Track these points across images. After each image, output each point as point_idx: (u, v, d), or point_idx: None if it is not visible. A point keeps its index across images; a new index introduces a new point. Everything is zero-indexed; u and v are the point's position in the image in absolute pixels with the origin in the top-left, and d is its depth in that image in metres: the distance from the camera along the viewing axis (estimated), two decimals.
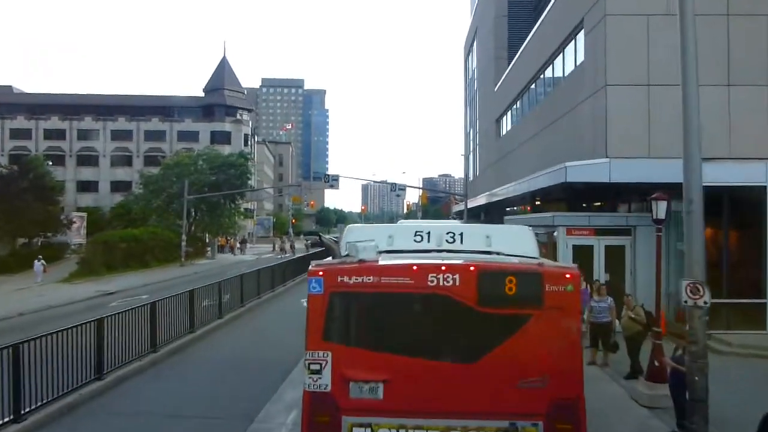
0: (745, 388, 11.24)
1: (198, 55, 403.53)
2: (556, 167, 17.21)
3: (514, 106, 31.34)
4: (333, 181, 46.69)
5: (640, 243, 16.57)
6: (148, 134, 79.42)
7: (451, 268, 6.11)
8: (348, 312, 6.31)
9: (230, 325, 19.47)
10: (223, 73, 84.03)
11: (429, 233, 7.53)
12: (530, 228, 8.08)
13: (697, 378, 7.13)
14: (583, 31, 18.97)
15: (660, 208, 11.01)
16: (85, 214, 56.19)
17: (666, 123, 16.12)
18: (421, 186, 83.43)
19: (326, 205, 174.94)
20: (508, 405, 5.99)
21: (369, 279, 6.13)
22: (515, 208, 31.64)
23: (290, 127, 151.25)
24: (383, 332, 6.27)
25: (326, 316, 6.16)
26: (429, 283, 6.09)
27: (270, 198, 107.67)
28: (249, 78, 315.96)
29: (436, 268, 6.13)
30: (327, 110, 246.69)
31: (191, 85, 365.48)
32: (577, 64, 19.91)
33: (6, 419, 9.19)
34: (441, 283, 6.07)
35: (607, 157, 16.28)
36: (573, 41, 20.32)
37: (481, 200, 37.75)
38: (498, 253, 7.11)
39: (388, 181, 52.78)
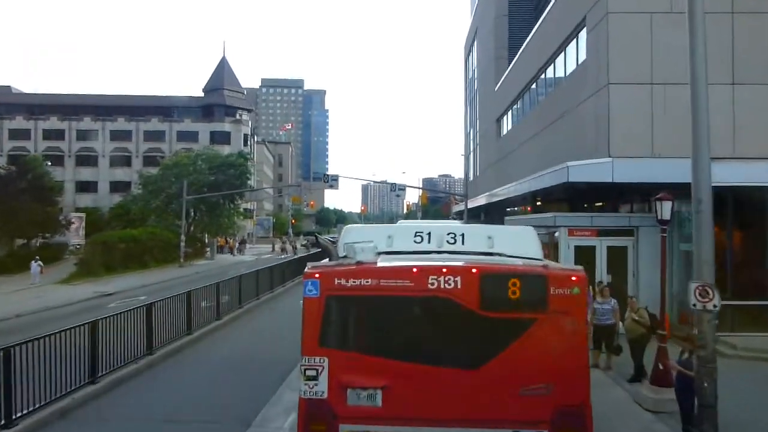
0: (750, 392, 11.03)
1: (197, 56, 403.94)
2: (558, 167, 17.01)
3: (515, 106, 31.16)
4: (332, 181, 46.50)
5: (643, 244, 16.38)
6: (147, 134, 79.20)
7: (453, 270, 5.90)
8: (345, 316, 6.10)
9: (228, 326, 19.28)
10: (222, 73, 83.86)
11: (429, 234, 7.31)
12: (533, 228, 7.84)
13: (706, 383, 6.92)
14: (585, 29, 18.77)
15: (665, 209, 10.79)
16: (83, 215, 55.99)
17: (669, 122, 15.95)
18: (421, 186, 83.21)
19: (326, 205, 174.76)
20: (511, 412, 5.79)
21: (367, 281, 5.93)
22: (516, 208, 31.44)
23: (290, 127, 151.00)
24: (382, 337, 6.06)
25: (323, 320, 5.96)
26: (429, 285, 5.89)
27: (270, 198, 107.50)
28: (249, 78, 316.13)
29: (436, 270, 5.93)
30: (327, 110, 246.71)
31: (191, 85, 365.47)
32: (579, 62, 19.71)
33: None
34: (442, 286, 5.86)
35: (609, 156, 16.07)
36: (575, 40, 20.12)
37: (481, 200, 37.57)
38: (500, 255, 6.89)
39: (388, 181, 52.66)
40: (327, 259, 7.72)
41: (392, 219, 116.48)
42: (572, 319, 5.79)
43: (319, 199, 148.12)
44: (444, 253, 6.96)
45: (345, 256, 6.70)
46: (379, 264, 6.20)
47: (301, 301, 6.16)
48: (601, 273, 16.40)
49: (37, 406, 9.74)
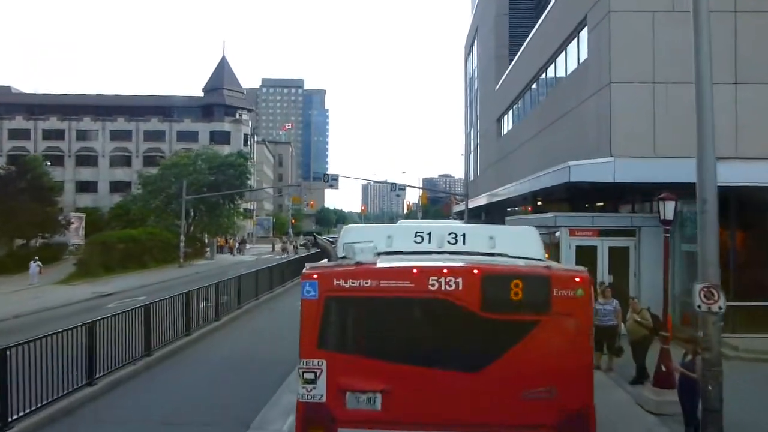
0: (752, 393, 10.94)
1: (197, 55, 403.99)
2: (560, 166, 16.90)
3: (516, 106, 31.06)
4: (332, 181, 46.43)
5: (645, 244, 16.28)
6: (147, 134, 79.09)
7: (454, 271, 5.79)
8: (344, 318, 5.99)
9: (227, 327, 19.20)
10: (222, 72, 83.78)
11: (430, 234, 7.20)
12: (536, 228, 7.73)
13: (711, 387, 6.79)
14: (586, 28, 18.66)
15: (668, 209, 10.69)
16: (83, 215, 55.85)
17: (671, 121, 15.84)
18: (421, 186, 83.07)
19: (326, 205, 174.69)
20: (514, 416, 5.67)
21: (366, 282, 5.82)
22: (516, 208, 31.35)
23: (290, 126, 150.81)
24: (381, 339, 5.95)
25: (321, 322, 5.85)
26: (430, 286, 5.78)
27: (270, 198, 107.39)
28: (249, 78, 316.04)
29: (437, 271, 5.82)
30: (327, 110, 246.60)
31: (190, 85, 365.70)
32: (581, 61, 19.61)
33: None
34: (443, 287, 5.75)
35: (611, 156, 15.96)
36: (576, 38, 20.01)
37: (481, 200, 37.48)
38: (502, 255, 6.78)
39: (388, 181, 52.49)
40: (326, 260, 7.54)
41: (392, 219, 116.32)
42: (576, 322, 5.67)
43: (319, 199, 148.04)
44: (445, 254, 6.85)
45: (344, 257, 6.59)
46: (379, 265, 6.10)
47: (300, 302, 6.05)
48: (603, 273, 16.29)
49: (33, 408, 9.65)
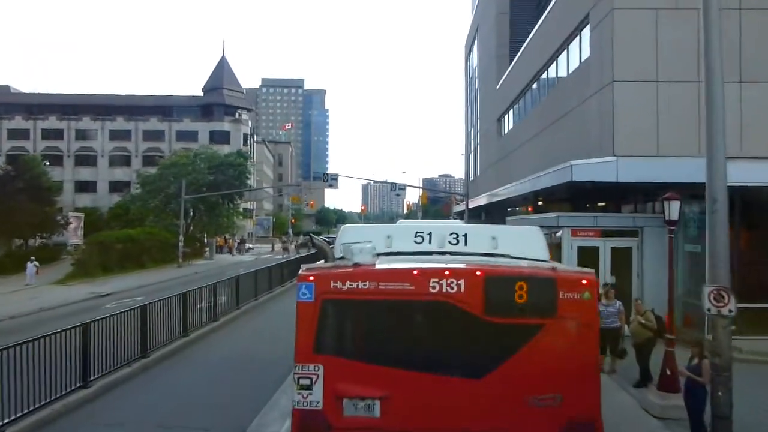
0: (757, 396, 10.76)
1: (197, 55, 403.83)
2: (562, 166, 16.71)
3: (516, 105, 30.87)
4: (332, 181, 46.25)
5: (648, 244, 16.13)
6: (146, 134, 78.94)
7: (456, 273, 5.58)
8: (342, 321, 5.78)
9: (225, 328, 19.02)
10: (222, 72, 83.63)
11: (431, 234, 6.99)
12: (540, 228, 7.50)
13: (720, 393, 6.57)
14: (588, 26, 18.47)
15: (673, 209, 10.49)
16: (82, 215, 55.66)
17: (675, 120, 15.68)
18: (421, 186, 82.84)
19: (326, 205, 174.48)
20: (517, 424, 5.47)
21: (365, 284, 5.61)
22: (517, 208, 31.17)
23: (290, 126, 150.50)
24: (380, 344, 5.73)
25: (318, 325, 5.63)
26: (431, 289, 5.57)
27: (270, 198, 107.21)
28: (249, 78, 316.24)
29: (438, 272, 5.61)
30: (327, 110, 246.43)
31: (190, 84, 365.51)
32: (582, 60, 19.42)
33: None
34: (444, 290, 5.54)
35: (614, 155, 15.77)
36: (578, 37, 19.82)
37: (482, 200, 37.29)
38: (505, 256, 6.56)
39: (388, 181, 52.17)
40: (322, 261, 7.25)
41: (392, 219, 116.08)
42: (582, 325, 5.46)
43: (319, 198, 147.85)
44: (446, 255, 6.64)
45: (342, 258, 6.38)
46: (378, 266, 5.89)
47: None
48: (605, 274, 16.11)
49: (25, 411, 9.47)
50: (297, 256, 45.11)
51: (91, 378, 11.52)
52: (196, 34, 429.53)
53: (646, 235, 16.20)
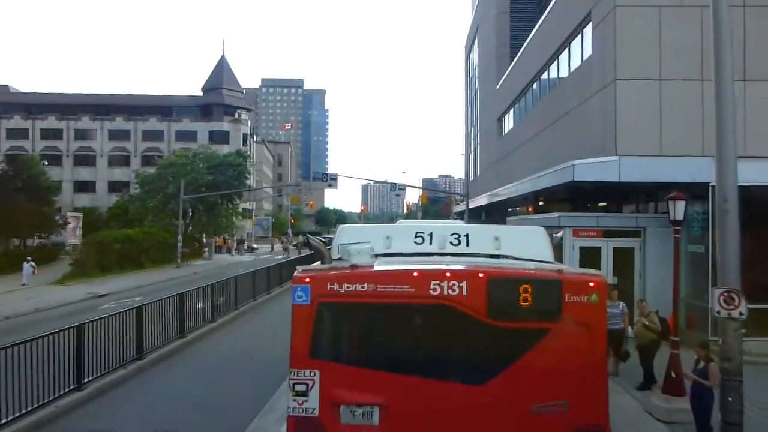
0: (763, 399, 10.54)
1: (197, 55, 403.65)
2: (563, 165, 16.52)
3: (517, 105, 30.68)
4: (332, 180, 46.12)
5: (650, 245, 15.95)
6: (145, 134, 78.84)
7: (457, 275, 5.36)
8: (339, 325, 5.57)
9: (223, 329, 18.84)
10: (221, 72, 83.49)
11: (431, 234, 6.77)
12: (544, 228, 7.27)
13: (731, 398, 6.35)
14: (590, 25, 18.28)
15: (678, 209, 10.29)
16: (80, 215, 55.46)
17: (679, 119, 15.49)
18: (421, 186, 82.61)
19: (326, 205, 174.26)
20: None
21: (363, 287, 5.39)
22: (517, 208, 30.98)
23: (290, 126, 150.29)
24: (379, 348, 5.52)
25: (314, 329, 5.41)
26: (431, 291, 5.35)
27: (269, 198, 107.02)
28: (249, 78, 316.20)
29: (439, 274, 5.40)
30: (327, 110, 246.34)
31: (189, 84, 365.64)
32: (584, 59, 19.22)
33: None
34: (445, 292, 5.33)
35: (616, 155, 15.57)
36: (579, 35, 19.63)
37: (482, 200, 37.12)
38: (508, 257, 6.35)
39: (388, 181, 51.96)
40: (319, 262, 6.99)
41: (392, 219, 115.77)
42: (590, 330, 5.24)
43: (319, 199, 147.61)
44: (447, 256, 6.43)
45: (339, 259, 6.16)
46: (376, 267, 5.69)
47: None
48: (607, 275, 15.92)
49: (17, 414, 9.28)
50: (296, 256, 44.85)
51: (85, 380, 11.33)
52: (196, 34, 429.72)
53: (649, 236, 16.02)
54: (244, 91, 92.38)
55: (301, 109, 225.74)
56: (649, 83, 15.77)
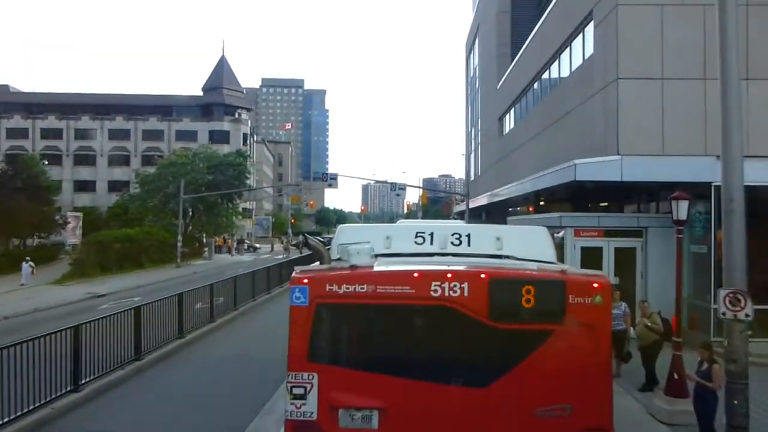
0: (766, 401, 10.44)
1: (197, 55, 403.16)
2: (565, 165, 16.41)
3: (518, 104, 30.57)
4: (332, 180, 46.06)
5: (652, 245, 15.85)
6: (146, 133, 78.75)
7: (459, 276, 5.25)
8: (337, 327, 5.46)
9: (222, 329, 18.74)
10: (221, 72, 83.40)
11: (432, 234, 6.65)
12: (546, 228, 7.16)
13: (737, 402, 6.23)
14: (592, 23, 18.17)
15: (681, 208, 10.18)
16: (80, 214, 55.41)
17: (681, 119, 15.39)
18: (421, 186, 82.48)
19: (326, 205, 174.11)
20: None
21: (362, 288, 5.28)
22: (518, 208, 30.88)
23: (290, 126, 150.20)
24: (378, 351, 5.41)
25: (312, 331, 5.30)
26: (432, 293, 5.24)
27: (269, 198, 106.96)
28: (249, 78, 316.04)
29: (440, 275, 5.29)
30: (327, 110, 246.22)
31: (190, 84, 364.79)
32: (586, 58, 19.11)
33: None
34: (446, 293, 5.22)
35: (618, 154, 15.46)
36: (581, 34, 19.52)
37: (482, 200, 37.02)
38: (510, 258, 6.23)
39: (389, 181, 51.86)
40: (318, 263, 6.82)
41: (392, 219, 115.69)
42: (594, 332, 5.13)
43: (319, 199, 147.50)
44: (448, 256, 6.31)
45: (338, 259, 6.05)
46: (376, 268, 5.58)
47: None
48: (609, 275, 15.81)
49: (12, 417, 9.18)
50: (296, 256, 44.72)
51: (83, 381, 11.24)
52: (196, 34, 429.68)
53: (651, 236, 15.92)
54: (245, 91, 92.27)
55: (301, 109, 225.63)
56: (651, 82, 15.67)
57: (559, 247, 16.61)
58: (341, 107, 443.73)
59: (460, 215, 47.63)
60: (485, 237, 6.61)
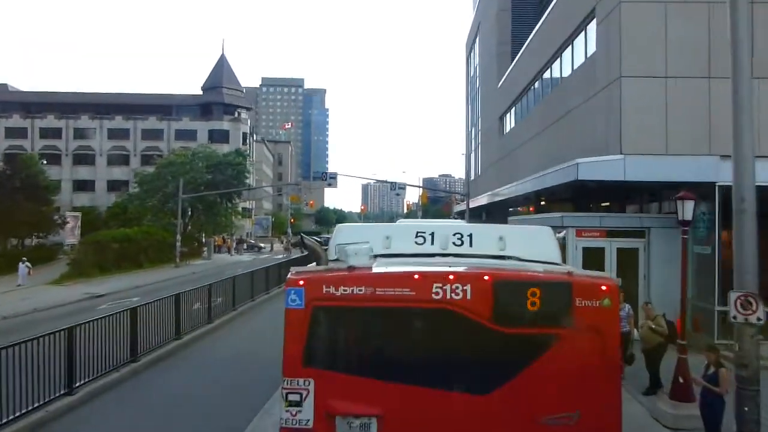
0: None
1: (196, 54, 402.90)
2: (567, 164, 16.24)
3: (519, 103, 30.39)
4: (331, 179, 45.91)
5: (655, 245, 15.68)
6: (145, 133, 78.60)
7: (461, 277, 5.05)
8: (335, 330, 5.25)
9: (220, 330, 18.56)
10: (221, 71, 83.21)
11: (433, 234, 6.45)
12: (551, 228, 6.95)
13: (747, 408, 6.03)
14: (594, 21, 17.99)
15: (687, 209, 9.99)
16: (79, 214, 55.23)
17: (685, 118, 15.21)
18: (421, 185, 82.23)
19: (326, 205, 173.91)
20: None
21: (360, 290, 5.08)
22: (519, 208, 30.70)
23: (290, 126, 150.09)
24: (377, 356, 5.20)
25: (308, 335, 5.11)
26: (434, 295, 5.05)
27: (269, 197, 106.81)
28: (249, 77, 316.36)
29: (442, 276, 5.09)
30: (327, 109, 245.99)
31: (189, 83, 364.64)
32: (588, 56, 18.92)
33: None
34: (448, 296, 5.02)
35: (621, 153, 15.28)
36: (583, 32, 19.34)
37: (482, 200, 36.84)
38: (514, 259, 6.03)
39: (388, 181, 51.68)
40: (314, 263, 6.56)
41: (392, 218, 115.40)
42: (602, 336, 4.93)
43: (319, 198, 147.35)
44: (450, 257, 6.11)
45: (336, 260, 5.85)
46: (375, 269, 5.38)
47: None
48: (611, 276, 15.62)
49: (4, 420, 8.98)
50: (295, 256, 44.55)
51: (77, 384, 11.04)
52: (196, 33, 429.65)
53: (653, 236, 15.74)
54: (244, 90, 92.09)
55: (301, 108, 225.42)
56: (655, 80, 15.48)
57: (561, 247, 16.42)
58: (341, 106, 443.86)
59: (461, 215, 47.45)
60: (488, 237, 6.41)
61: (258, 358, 14.39)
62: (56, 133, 77.86)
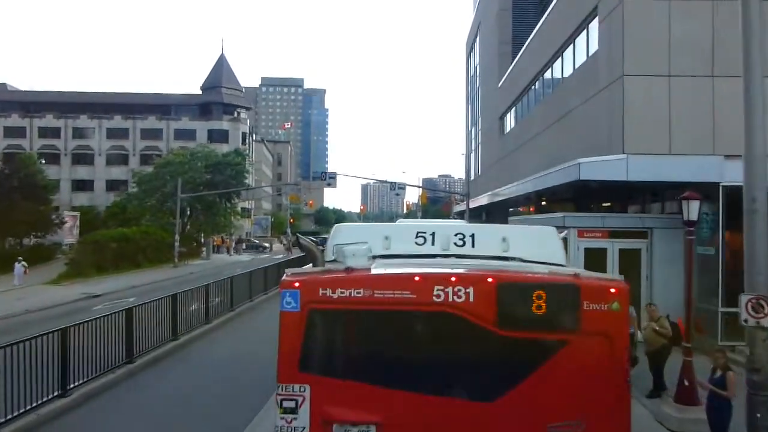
0: None
1: (196, 53, 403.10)
2: (568, 164, 16.06)
3: (519, 103, 30.23)
4: (331, 179, 45.79)
5: (658, 246, 15.49)
6: (144, 132, 78.36)
7: (463, 280, 4.86)
8: (332, 334, 5.07)
9: (218, 331, 18.40)
10: (221, 70, 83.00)
11: (434, 234, 6.26)
12: (555, 229, 6.76)
13: (759, 414, 5.85)
14: (596, 19, 17.83)
15: (692, 209, 9.81)
16: (78, 214, 55.10)
17: (689, 117, 15.03)
18: (420, 185, 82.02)
19: (325, 204, 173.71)
20: None
21: (359, 292, 4.89)
22: (519, 208, 30.53)
23: (289, 126, 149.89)
24: (376, 361, 5.02)
25: (304, 339, 4.92)
26: (435, 298, 4.85)
27: (268, 197, 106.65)
28: (248, 77, 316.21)
29: (443, 278, 4.90)
30: (327, 109, 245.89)
31: (188, 83, 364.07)
32: (590, 55, 18.75)
33: None
34: (450, 299, 4.83)
35: (623, 153, 15.10)
36: (585, 31, 19.18)
37: (482, 200, 36.70)
38: (518, 260, 5.84)
39: (388, 181, 51.52)
40: (310, 264, 6.38)
41: (392, 219, 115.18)
42: (611, 341, 4.74)
43: (319, 198, 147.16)
44: (451, 258, 5.92)
45: (333, 261, 5.65)
46: (374, 271, 5.18)
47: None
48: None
49: None
50: (295, 256, 44.31)
51: (71, 386, 10.85)
52: (195, 33, 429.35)
53: (656, 237, 15.56)
54: (244, 90, 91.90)
55: (300, 108, 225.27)
56: (658, 79, 15.30)
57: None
58: (341, 106, 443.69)
59: (460, 215, 47.30)
60: (491, 237, 6.22)
61: (256, 358, 14.18)
62: (55, 132, 77.61)
